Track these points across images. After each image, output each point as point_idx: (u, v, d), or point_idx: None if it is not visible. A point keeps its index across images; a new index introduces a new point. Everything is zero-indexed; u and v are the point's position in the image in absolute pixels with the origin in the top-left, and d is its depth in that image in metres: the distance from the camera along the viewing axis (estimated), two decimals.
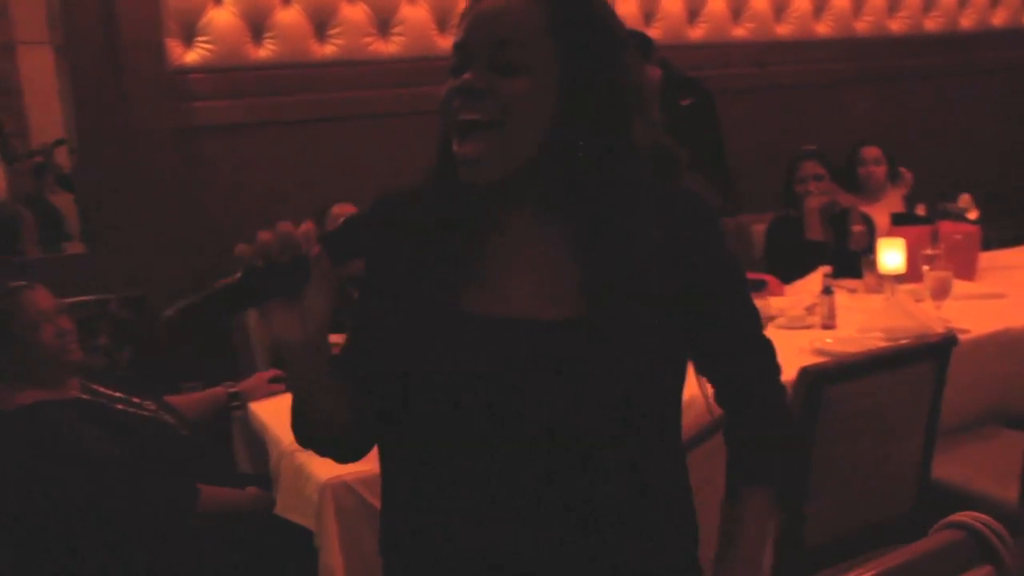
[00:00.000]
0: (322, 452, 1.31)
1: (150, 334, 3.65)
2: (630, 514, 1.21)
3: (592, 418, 1.15)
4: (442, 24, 4.14)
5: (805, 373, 2.22)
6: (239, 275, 1.07)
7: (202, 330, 1.13)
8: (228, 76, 3.81)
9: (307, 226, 1.10)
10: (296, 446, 2.39)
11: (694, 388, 1.36)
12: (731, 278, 1.31)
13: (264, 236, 1.08)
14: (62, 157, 4.74)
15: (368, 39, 4.03)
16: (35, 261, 3.86)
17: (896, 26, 5.27)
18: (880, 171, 4.30)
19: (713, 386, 1.37)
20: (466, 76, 1.15)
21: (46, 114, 4.67)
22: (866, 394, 2.32)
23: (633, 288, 1.16)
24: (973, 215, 4.08)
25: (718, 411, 1.39)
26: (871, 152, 4.30)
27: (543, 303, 1.18)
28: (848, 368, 2.30)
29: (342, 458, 1.33)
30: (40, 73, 4.64)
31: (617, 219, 1.17)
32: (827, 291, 3.18)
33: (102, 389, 2.63)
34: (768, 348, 1.37)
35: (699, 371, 1.35)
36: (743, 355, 1.34)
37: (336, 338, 1.19)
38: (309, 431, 1.26)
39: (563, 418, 1.15)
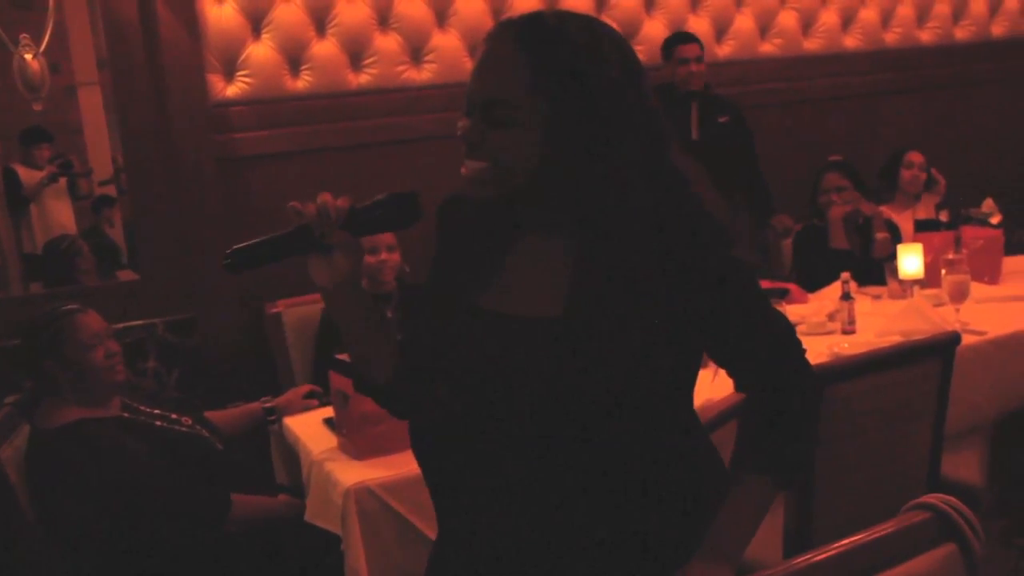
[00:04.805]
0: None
1: (197, 356, 3.82)
2: (618, 495, 1.32)
3: (563, 405, 1.28)
4: (472, 50, 4.25)
5: None
6: (292, 230, 1.36)
7: (254, 266, 1.37)
8: (267, 108, 3.97)
9: (342, 202, 1.33)
10: (325, 455, 2.56)
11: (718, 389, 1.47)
12: (735, 286, 1.36)
13: (310, 208, 1.33)
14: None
15: (401, 67, 4.17)
16: (90, 289, 4.03)
17: (926, 36, 5.29)
18: (923, 177, 4.32)
19: (731, 378, 1.46)
20: (464, 123, 1.31)
21: (101, 151, 4.87)
22: (869, 393, 2.36)
23: (615, 292, 1.28)
24: (996, 220, 4.09)
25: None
26: (916, 157, 4.33)
27: (540, 302, 1.33)
28: (849, 368, 2.34)
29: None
30: (94, 112, 4.84)
31: (606, 233, 1.30)
32: (846, 297, 3.22)
33: (142, 407, 2.76)
34: (782, 342, 1.41)
35: (717, 364, 1.44)
36: (753, 352, 1.40)
37: None
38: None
39: (542, 404, 1.29)
